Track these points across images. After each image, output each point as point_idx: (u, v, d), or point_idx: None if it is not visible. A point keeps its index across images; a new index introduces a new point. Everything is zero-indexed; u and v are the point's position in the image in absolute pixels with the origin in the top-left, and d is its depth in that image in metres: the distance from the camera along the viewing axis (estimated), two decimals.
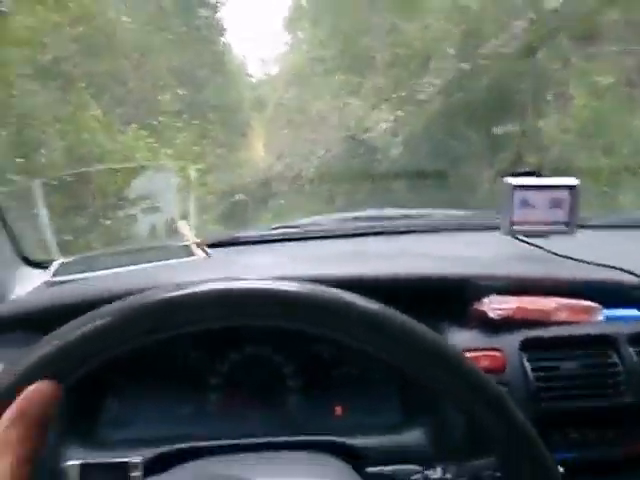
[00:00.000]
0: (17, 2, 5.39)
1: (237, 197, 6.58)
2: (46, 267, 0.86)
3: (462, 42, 5.99)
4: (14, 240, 0.84)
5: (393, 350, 0.40)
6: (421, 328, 0.38)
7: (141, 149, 5.17)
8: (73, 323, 0.38)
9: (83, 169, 4.31)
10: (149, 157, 5.18)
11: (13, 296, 0.77)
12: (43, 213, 0.85)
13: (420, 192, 5.47)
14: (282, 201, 6.69)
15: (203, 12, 7.12)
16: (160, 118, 5.87)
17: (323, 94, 7.93)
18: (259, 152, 9.42)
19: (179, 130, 6.05)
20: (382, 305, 0.38)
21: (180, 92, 7.25)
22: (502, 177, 0.84)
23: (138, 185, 1.15)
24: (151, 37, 7.37)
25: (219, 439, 0.67)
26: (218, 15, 8.14)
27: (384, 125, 6.86)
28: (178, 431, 0.70)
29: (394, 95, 6.61)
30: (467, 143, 6.00)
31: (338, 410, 0.74)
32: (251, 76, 11.31)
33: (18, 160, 4.23)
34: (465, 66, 5.87)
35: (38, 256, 0.90)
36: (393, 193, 5.83)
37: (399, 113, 6.65)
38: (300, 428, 0.70)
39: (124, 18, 6.98)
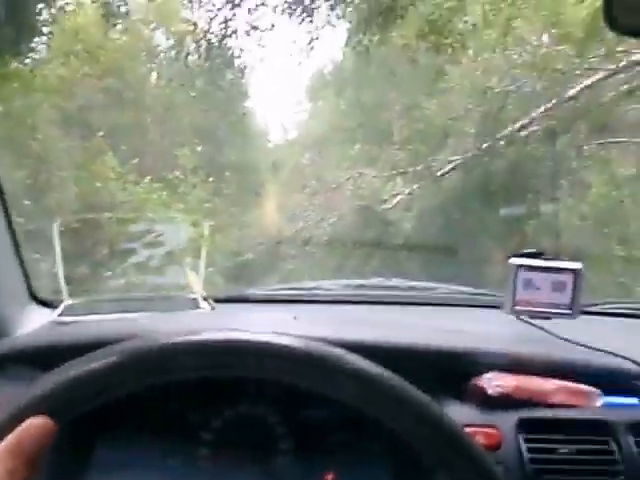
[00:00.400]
0: (51, 51, 5.75)
1: (246, 257, 6.66)
2: (54, 307, 0.90)
3: (482, 122, 6.20)
4: (26, 278, 0.88)
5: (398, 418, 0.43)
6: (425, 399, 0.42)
7: (153, 202, 5.33)
8: (71, 364, 0.42)
9: (96, 215, 4.45)
10: (160, 210, 5.34)
11: (18, 333, 0.81)
12: (58, 254, 0.90)
13: (429, 266, 5.51)
14: (291, 266, 6.70)
15: (229, 74, 7.47)
16: (176, 173, 6.10)
17: (340, 162, 8.11)
18: (271, 214, 9.62)
19: (193, 186, 6.21)
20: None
21: (199, 149, 7.54)
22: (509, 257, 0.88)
23: (150, 235, 1.21)
24: (176, 94, 7.73)
25: None
26: (243, 79, 8.55)
27: (398, 198, 7.03)
28: None
29: (410, 169, 6.79)
30: (480, 222, 6.10)
31: (329, 477, 0.74)
32: (270, 141, 11.78)
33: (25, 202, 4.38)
34: (483, 146, 6.06)
35: (46, 295, 0.94)
36: (403, 266, 5.88)
37: (414, 187, 6.83)
38: None
39: (153, 74, 7.37)
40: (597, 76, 5.35)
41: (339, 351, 0.45)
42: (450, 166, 6.43)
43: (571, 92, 5.46)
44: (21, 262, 0.85)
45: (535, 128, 5.80)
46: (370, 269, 6.04)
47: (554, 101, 5.51)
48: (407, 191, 6.95)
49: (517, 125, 5.93)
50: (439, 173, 6.46)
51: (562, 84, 5.46)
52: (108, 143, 5.83)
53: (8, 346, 0.75)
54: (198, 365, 0.45)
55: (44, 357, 0.71)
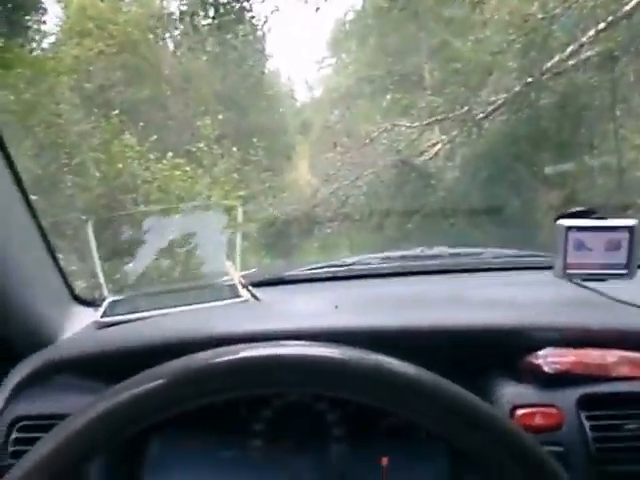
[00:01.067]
0: (64, 33, 5.78)
1: (281, 224, 6.69)
2: (96, 306, 0.94)
3: (525, 55, 5.85)
4: (65, 278, 0.92)
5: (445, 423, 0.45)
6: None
7: (176, 179, 5.30)
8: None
9: (133, 210, 4.56)
10: (186, 187, 5.32)
11: (63, 335, 0.85)
12: (94, 252, 0.94)
13: (476, 226, 5.39)
14: (328, 230, 6.67)
15: (241, 32, 7.34)
16: (200, 144, 6.04)
17: (371, 116, 7.92)
18: (305, 176, 9.63)
19: (221, 156, 6.16)
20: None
21: (220, 117, 7.51)
22: (557, 217, 0.86)
23: (186, 225, 1.24)
24: (192, 63, 7.71)
25: None
26: (259, 38, 8.47)
27: (437, 147, 6.77)
28: (220, 477, 0.75)
29: (450, 115, 6.48)
30: (529, 172, 5.84)
31: (384, 461, 0.76)
32: (296, 99, 11.73)
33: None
34: (528, 80, 5.70)
35: (87, 294, 0.98)
36: (445, 224, 5.72)
37: (454, 134, 6.54)
38: (344, 478, 0.74)
39: (168, 44, 7.34)
40: None
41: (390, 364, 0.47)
42: (492, 107, 6.10)
43: (627, 7, 5.01)
44: (57, 263, 0.89)
45: (588, 54, 5.38)
46: (411, 228, 5.90)
47: (609, 20, 5.06)
48: (446, 139, 6.68)
49: (566, 53, 5.52)
50: (480, 116, 6.13)
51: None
52: (125, 121, 5.80)
53: (54, 354, 0.79)
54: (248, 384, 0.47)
55: (89, 364, 0.75)
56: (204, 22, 6.33)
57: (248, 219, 5.52)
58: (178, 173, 5.31)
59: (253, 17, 7.15)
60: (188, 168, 5.42)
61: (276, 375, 0.47)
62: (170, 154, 5.49)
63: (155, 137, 5.75)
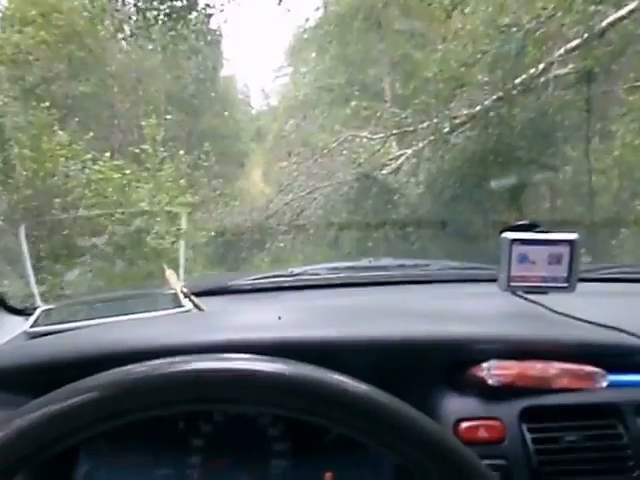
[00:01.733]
0: (5, 19, 5.61)
1: (231, 235, 6.62)
2: (27, 315, 0.92)
3: (496, 68, 5.79)
4: None
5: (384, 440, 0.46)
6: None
7: (115, 182, 5.03)
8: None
9: (61, 214, 4.38)
10: (125, 191, 5.08)
11: None
12: (26, 258, 0.93)
13: (440, 242, 5.47)
14: (281, 243, 6.63)
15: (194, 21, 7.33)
16: (144, 146, 5.83)
17: (329, 126, 7.96)
18: (258, 185, 9.65)
19: (165, 160, 6.00)
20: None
21: (169, 117, 7.39)
22: (502, 230, 0.90)
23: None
24: (144, 59, 7.62)
25: None
26: (216, 39, 8.52)
27: (401, 160, 6.74)
28: None
29: (415, 127, 6.47)
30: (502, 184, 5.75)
31: (328, 476, 0.77)
32: (252, 107, 11.93)
33: None
34: (496, 96, 5.70)
35: (18, 303, 0.96)
36: (406, 244, 5.77)
37: (419, 147, 6.51)
38: None
39: (120, 36, 7.24)
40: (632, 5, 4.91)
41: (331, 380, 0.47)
42: (459, 121, 6.11)
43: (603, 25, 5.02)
44: None
45: (560, 72, 5.43)
46: (369, 244, 5.95)
47: (582, 38, 5.10)
48: (411, 153, 6.66)
49: (539, 69, 5.54)
50: (447, 130, 6.11)
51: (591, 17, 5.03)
52: (60, 117, 5.62)
53: None
54: (182, 399, 0.47)
55: (18, 377, 0.72)
56: (154, 12, 6.25)
57: (195, 228, 5.43)
58: (117, 176, 5.07)
59: (208, 5, 7.16)
60: (129, 171, 5.22)
61: (211, 392, 0.47)
62: (107, 154, 5.30)
63: (91, 135, 5.55)
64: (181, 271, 1.06)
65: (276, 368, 0.48)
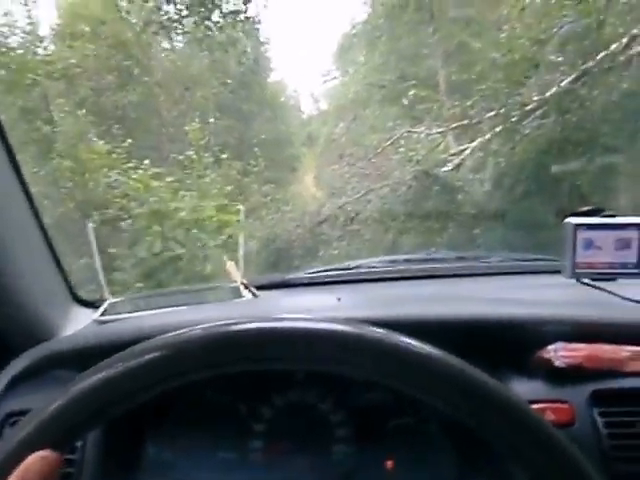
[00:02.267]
0: (55, 36, 5.91)
1: (283, 242, 6.66)
2: (97, 307, 1.00)
3: (576, 44, 5.36)
4: (66, 279, 0.99)
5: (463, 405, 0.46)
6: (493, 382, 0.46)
7: (157, 191, 4.95)
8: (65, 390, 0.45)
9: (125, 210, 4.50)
10: (166, 200, 4.96)
11: (61, 334, 0.91)
12: (96, 254, 1.00)
13: (510, 246, 5.22)
14: (335, 251, 6.57)
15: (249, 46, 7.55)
16: (189, 152, 5.80)
17: (380, 124, 7.85)
18: (309, 189, 9.76)
19: (215, 167, 6.03)
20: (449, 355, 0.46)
21: (212, 120, 7.46)
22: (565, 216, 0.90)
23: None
24: (191, 65, 7.87)
25: None
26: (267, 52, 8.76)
27: (463, 155, 6.40)
28: (221, 478, 0.80)
29: (479, 119, 6.13)
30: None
31: (389, 464, 0.81)
32: (302, 112, 12.27)
33: None
34: (580, 75, 5.20)
35: (89, 296, 1.05)
36: (474, 244, 5.51)
37: (485, 140, 6.16)
38: None
39: (165, 45, 7.50)
40: None
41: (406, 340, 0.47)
42: (531, 107, 5.60)
43: None
44: (58, 263, 0.95)
45: None
46: (432, 247, 5.67)
47: None
48: (477, 146, 6.27)
49: (619, 44, 5.06)
50: (517, 119, 5.64)
51: None
52: (105, 128, 5.75)
53: (50, 349, 0.84)
54: (238, 358, 0.48)
55: (86, 357, 0.80)
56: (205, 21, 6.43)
57: (249, 235, 5.47)
58: (156, 184, 4.97)
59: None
60: (171, 178, 5.16)
61: (285, 349, 0.48)
62: (147, 161, 5.21)
63: (131, 142, 5.57)
64: (240, 264, 1.12)
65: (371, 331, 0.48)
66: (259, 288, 1.07)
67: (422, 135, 6.99)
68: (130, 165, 5.19)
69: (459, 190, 6.42)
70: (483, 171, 6.46)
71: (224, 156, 6.46)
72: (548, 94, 5.51)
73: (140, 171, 5.05)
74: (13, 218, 0.85)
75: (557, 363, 0.76)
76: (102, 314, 0.96)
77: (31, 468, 0.41)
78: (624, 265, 0.89)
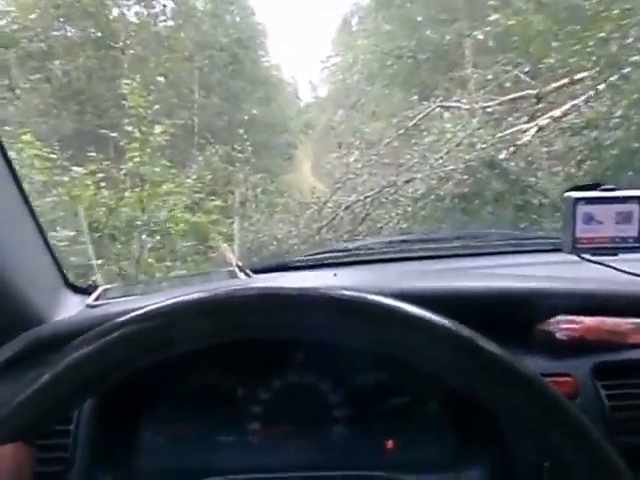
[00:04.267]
0: None
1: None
2: (89, 293, 1.11)
3: None
4: (58, 265, 1.09)
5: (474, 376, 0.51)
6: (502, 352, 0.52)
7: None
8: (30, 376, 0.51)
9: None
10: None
11: (54, 318, 1.01)
12: (88, 240, 1.10)
13: None
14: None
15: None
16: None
17: (388, 109, 7.73)
18: (307, 180, 9.84)
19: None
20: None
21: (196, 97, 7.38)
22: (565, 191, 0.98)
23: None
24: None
25: (259, 471, 0.87)
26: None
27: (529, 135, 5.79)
28: (217, 461, 0.91)
29: (541, 90, 5.67)
30: None
31: (389, 444, 0.92)
32: (300, 99, 12.67)
33: None
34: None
35: (79, 282, 1.15)
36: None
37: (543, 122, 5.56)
38: (347, 462, 0.89)
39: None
40: None
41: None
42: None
43: None
44: (50, 250, 1.06)
45: None
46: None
47: None
48: (529, 128, 5.72)
49: None
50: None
51: None
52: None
53: (42, 332, 0.94)
54: (230, 326, 0.52)
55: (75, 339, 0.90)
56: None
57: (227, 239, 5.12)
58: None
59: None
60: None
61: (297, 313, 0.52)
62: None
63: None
64: (235, 248, 1.22)
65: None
66: (255, 272, 1.18)
67: (460, 111, 6.33)
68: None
69: (530, 187, 5.67)
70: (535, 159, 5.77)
71: (202, 140, 6.41)
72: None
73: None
74: (2, 203, 0.95)
75: (558, 335, 0.87)
76: (95, 300, 1.06)
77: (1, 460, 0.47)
78: (625, 239, 0.95)
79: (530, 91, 6.23)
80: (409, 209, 5.86)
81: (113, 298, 1.07)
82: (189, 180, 5.70)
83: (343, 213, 6.18)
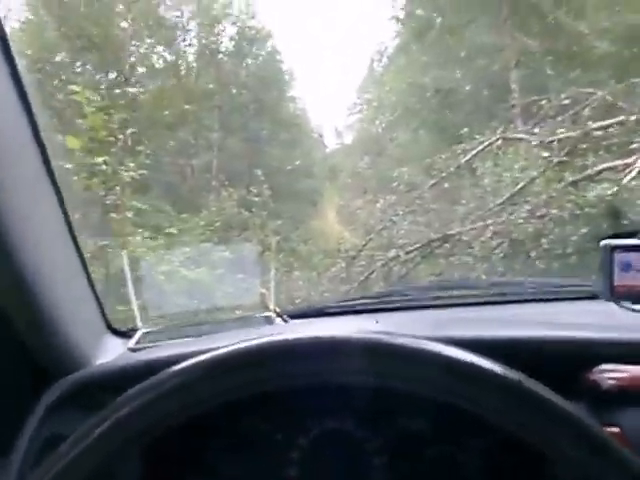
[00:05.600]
0: None
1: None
2: (129, 336, 1.20)
3: None
4: (101, 308, 1.20)
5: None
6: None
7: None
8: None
9: None
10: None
11: (96, 362, 1.10)
12: (130, 283, 1.21)
13: None
14: None
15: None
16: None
17: (416, 152, 7.76)
18: (333, 228, 9.92)
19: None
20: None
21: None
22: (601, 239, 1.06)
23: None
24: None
25: None
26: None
27: None
28: None
29: None
30: None
31: None
32: (325, 146, 13.12)
33: None
34: None
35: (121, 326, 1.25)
36: None
37: None
38: None
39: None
40: None
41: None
42: None
43: None
44: (94, 291, 1.15)
45: None
46: None
47: None
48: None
49: None
50: None
51: None
52: None
53: (86, 376, 1.03)
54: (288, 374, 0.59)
55: (120, 384, 0.88)
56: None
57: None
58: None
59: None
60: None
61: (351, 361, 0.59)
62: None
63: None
64: (272, 296, 1.32)
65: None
66: (292, 317, 1.29)
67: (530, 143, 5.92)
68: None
69: None
70: None
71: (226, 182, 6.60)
72: None
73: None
74: (52, 245, 1.03)
75: (604, 385, 0.93)
76: (136, 343, 1.16)
77: None
78: None
79: (623, 117, 5.80)
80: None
81: (153, 342, 1.16)
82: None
83: (378, 270, 5.85)
